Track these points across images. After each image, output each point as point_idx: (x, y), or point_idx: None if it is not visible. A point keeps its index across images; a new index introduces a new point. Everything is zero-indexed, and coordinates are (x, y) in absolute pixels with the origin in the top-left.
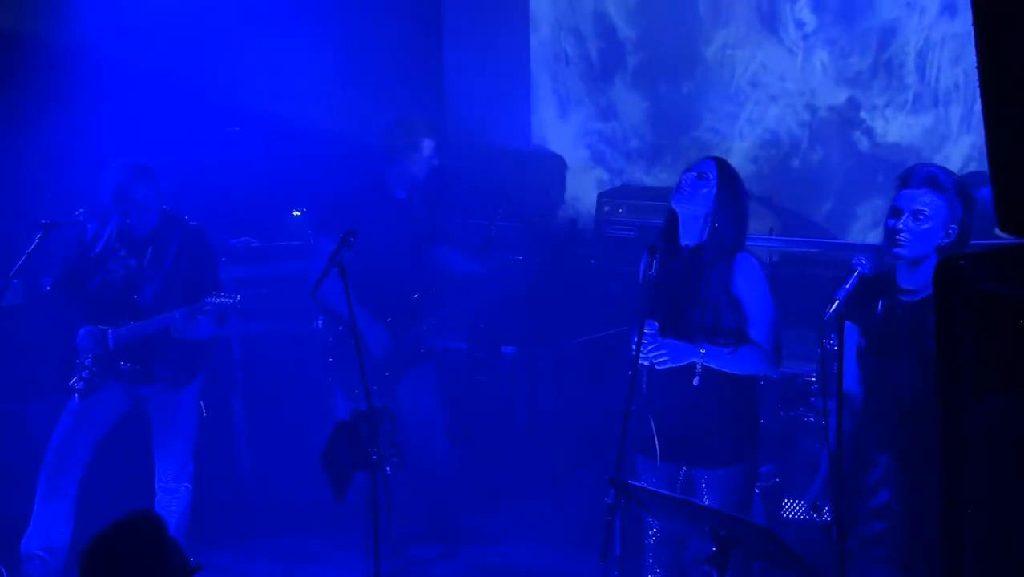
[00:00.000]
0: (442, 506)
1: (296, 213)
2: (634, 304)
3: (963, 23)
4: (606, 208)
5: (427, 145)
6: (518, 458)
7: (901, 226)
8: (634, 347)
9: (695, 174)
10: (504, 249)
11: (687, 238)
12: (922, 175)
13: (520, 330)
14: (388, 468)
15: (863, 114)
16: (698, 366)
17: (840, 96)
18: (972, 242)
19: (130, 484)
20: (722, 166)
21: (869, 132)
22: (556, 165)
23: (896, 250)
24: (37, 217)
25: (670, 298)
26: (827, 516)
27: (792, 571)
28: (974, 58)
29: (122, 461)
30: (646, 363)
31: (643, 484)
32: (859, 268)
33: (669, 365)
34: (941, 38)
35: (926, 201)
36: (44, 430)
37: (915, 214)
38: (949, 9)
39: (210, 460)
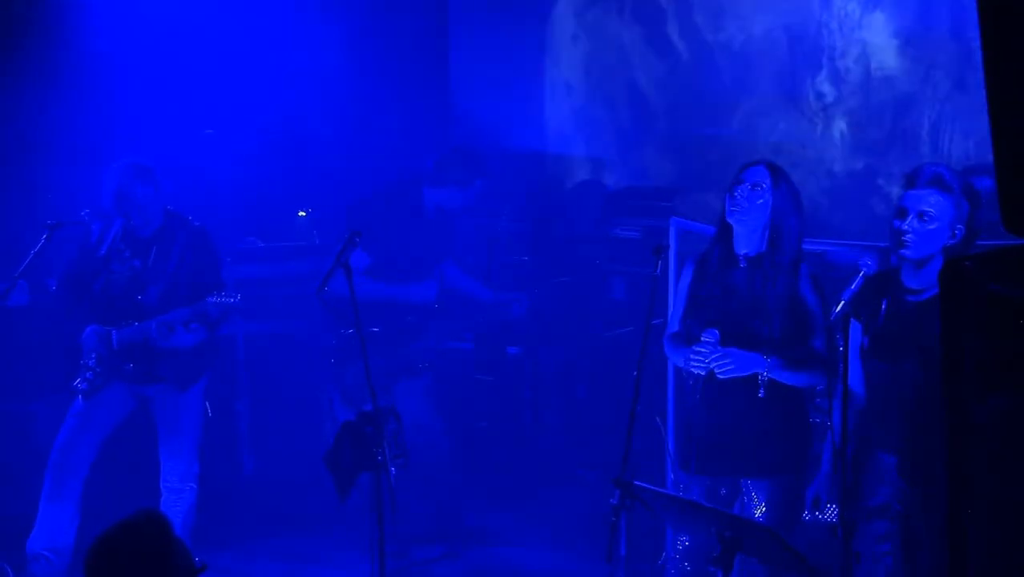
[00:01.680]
0: (446, 507)
1: (301, 213)
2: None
3: (975, 98)
4: (612, 209)
5: (479, 185)
6: (522, 458)
7: (907, 227)
8: (684, 355)
9: (749, 186)
10: (510, 253)
11: (744, 247)
12: (928, 175)
13: (525, 330)
14: (393, 469)
15: (880, 180)
16: (763, 377)
17: (858, 163)
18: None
19: (135, 484)
20: (774, 172)
21: (886, 197)
22: (567, 167)
23: (902, 251)
24: (43, 217)
25: (731, 309)
26: (829, 514)
27: (797, 572)
28: (985, 130)
29: (127, 461)
30: (702, 372)
31: (651, 486)
32: (864, 269)
33: (734, 375)
34: (953, 111)
35: (932, 202)
36: (49, 430)
37: (921, 215)
38: (960, 86)
39: (214, 460)
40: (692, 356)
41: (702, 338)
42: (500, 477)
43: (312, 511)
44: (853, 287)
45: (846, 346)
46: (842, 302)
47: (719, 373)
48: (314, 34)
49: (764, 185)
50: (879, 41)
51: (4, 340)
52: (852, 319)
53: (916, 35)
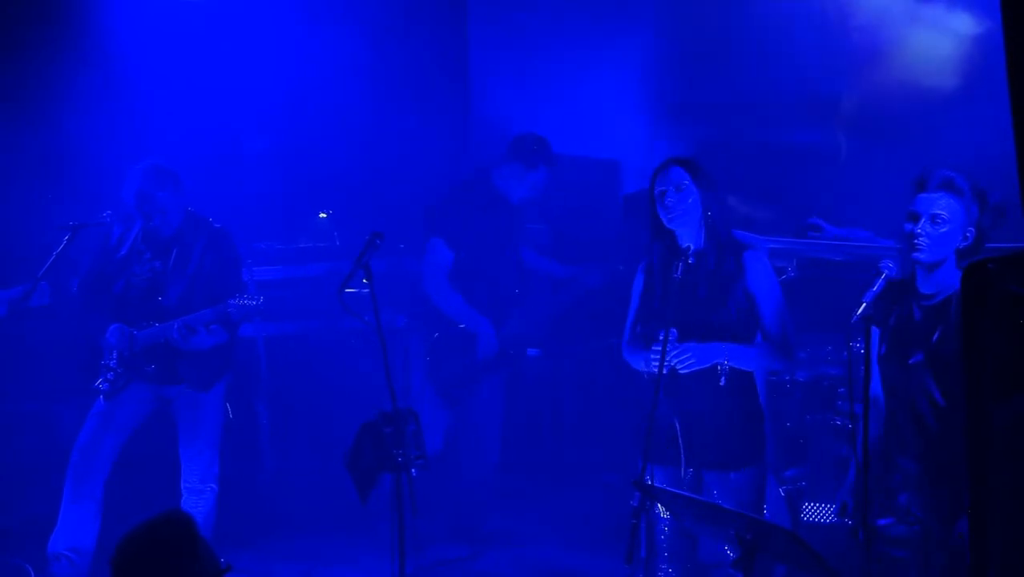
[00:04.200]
0: (467, 507)
1: (322, 215)
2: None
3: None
4: (631, 210)
5: (543, 172)
6: (542, 460)
7: (919, 231)
8: (644, 357)
9: (674, 189)
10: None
11: (686, 241)
12: (939, 179)
13: (544, 332)
14: (413, 470)
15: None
16: (723, 366)
17: (880, 165)
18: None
19: (156, 484)
20: (689, 167)
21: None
22: (586, 168)
23: (915, 255)
24: (65, 219)
25: (685, 305)
26: (853, 518)
27: (817, 575)
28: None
29: (148, 462)
30: (665, 371)
31: (671, 488)
32: (886, 271)
33: (696, 368)
34: (976, 115)
35: (943, 205)
36: (70, 430)
37: (933, 218)
38: (986, 90)
39: (234, 460)
40: (652, 357)
41: (660, 338)
42: (520, 478)
43: (332, 512)
44: (875, 289)
45: (867, 349)
46: (863, 304)
47: (681, 368)
48: (333, 37)
49: (686, 183)
50: (903, 43)
51: (27, 341)
52: (872, 324)
53: (941, 37)
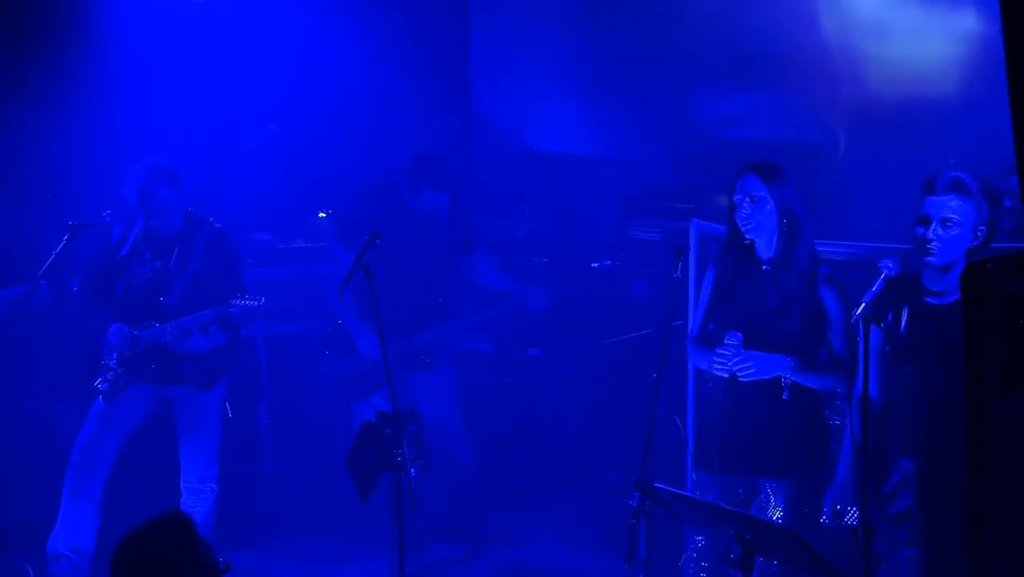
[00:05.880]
0: (467, 507)
1: (322, 215)
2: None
3: (1001, 99)
4: (632, 211)
5: (429, 196)
6: (543, 459)
7: (931, 235)
8: (708, 359)
9: (749, 200)
10: (529, 253)
11: (764, 252)
12: (947, 180)
13: (545, 332)
14: (413, 470)
15: (901, 181)
16: (786, 380)
17: (879, 164)
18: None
19: (156, 484)
20: (765, 175)
21: (907, 198)
22: (587, 168)
23: (927, 259)
24: (64, 218)
25: (754, 311)
26: (850, 520)
27: (817, 574)
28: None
29: (148, 462)
30: (725, 374)
31: (671, 488)
32: (886, 271)
33: (756, 378)
34: (980, 113)
35: (954, 207)
36: (70, 430)
37: (944, 221)
38: (986, 87)
39: (235, 460)
40: (715, 359)
41: (725, 341)
42: (521, 478)
43: (333, 511)
44: (874, 289)
45: (866, 349)
46: (863, 304)
47: (741, 376)
48: (334, 36)
49: (761, 193)
50: (903, 42)
51: (27, 341)
52: (872, 324)
53: (943, 35)
